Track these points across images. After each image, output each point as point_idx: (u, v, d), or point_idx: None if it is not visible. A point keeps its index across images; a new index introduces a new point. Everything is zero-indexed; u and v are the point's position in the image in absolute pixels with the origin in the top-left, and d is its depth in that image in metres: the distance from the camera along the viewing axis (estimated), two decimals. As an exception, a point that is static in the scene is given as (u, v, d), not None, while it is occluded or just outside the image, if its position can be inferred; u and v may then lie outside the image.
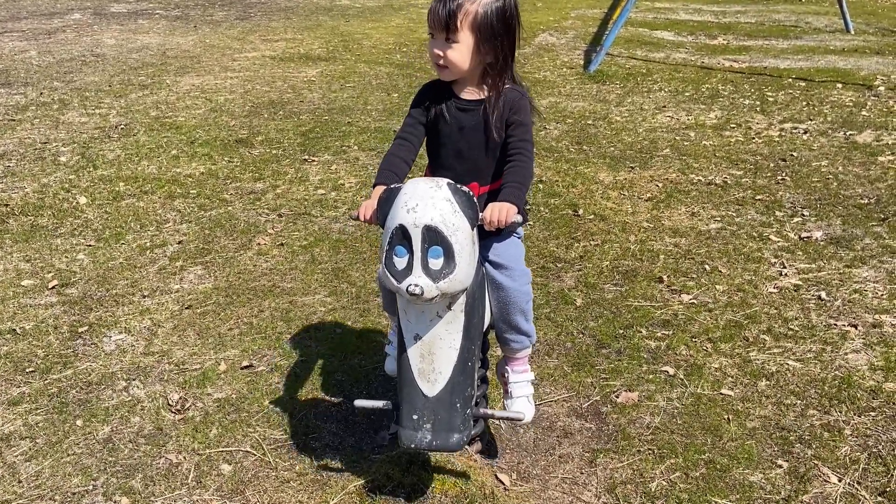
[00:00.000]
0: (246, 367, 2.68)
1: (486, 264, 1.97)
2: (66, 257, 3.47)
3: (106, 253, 3.52)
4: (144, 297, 3.14)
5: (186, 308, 3.05)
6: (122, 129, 5.36)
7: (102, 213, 3.95)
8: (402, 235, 1.68)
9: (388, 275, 1.70)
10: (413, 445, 1.83)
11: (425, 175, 2.06)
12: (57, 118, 5.59)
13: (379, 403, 1.99)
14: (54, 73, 6.97)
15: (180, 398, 2.50)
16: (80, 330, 2.89)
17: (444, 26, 1.82)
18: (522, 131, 1.90)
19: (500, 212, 1.75)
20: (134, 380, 2.60)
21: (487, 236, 1.93)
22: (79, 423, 2.39)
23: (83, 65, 7.35)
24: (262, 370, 2.66)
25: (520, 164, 1.86)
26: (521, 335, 2.06)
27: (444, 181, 1.74)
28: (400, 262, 1.69)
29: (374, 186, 1.89)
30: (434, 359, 1.80)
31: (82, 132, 5.27)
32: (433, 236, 1.66)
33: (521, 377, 2.13)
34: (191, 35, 9.06)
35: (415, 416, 1.83)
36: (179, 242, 3.63)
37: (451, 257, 1.67)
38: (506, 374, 2.15)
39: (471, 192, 1.74)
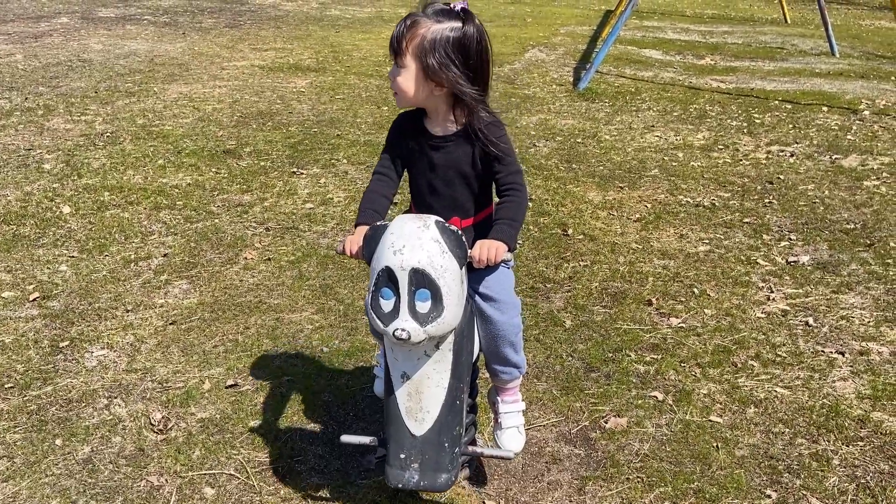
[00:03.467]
0: (231, 385, 2.63)
1: (475, 296, 1.94)
2: (49, 269, 3.41)
3: (89, 265, 3.46)
4: (128, 311, 3.09)
5: (171, 324, 3.01)
6: (107, 136, 5.30)
7: (86, 224, 3.89)
8: (389, 278, 1.63)
9: (375, 317, 1.66)
10: (400, 485, 1.80)
11: (409, 207, 2.03)
12: (42, 124, 5.52)
13: (366, 439, 1.95)
14: (40, 78, 6.89)
15: (163, 417, 2.45)
16: (61, 345, 2.84)
17: (393, 50, 1.77)
18: (508, 163, 1.83)
19: (489, 250, 1.71)
20: (115, 398, 2.55)
21: (477, 269, 1.89)
22: (58, 442, 2.34)
23: (69, 70, 7.28)
24: (247, 389, 2.62)
25: (512, 201, 1.82)
26: (510, 367, 2.03)
27: (432, 220, 1.69)
28: (386, 305, 1.65)
29: (356, 226, 1.84)
30: (422, 398, 1.77)
31: (67, 139, 5.20)
32: (420, 279, 1.62)
33: (511, 407, 2.11)
34: (179, 42, 9.01)
35: (402, 456, 1.79)
36: (164, 255, 3.58)
37: (438, 300, 1.63)
38: (496, 404, 2.12)
39: (459, 232, 1.69)
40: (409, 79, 1.77)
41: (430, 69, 1.73)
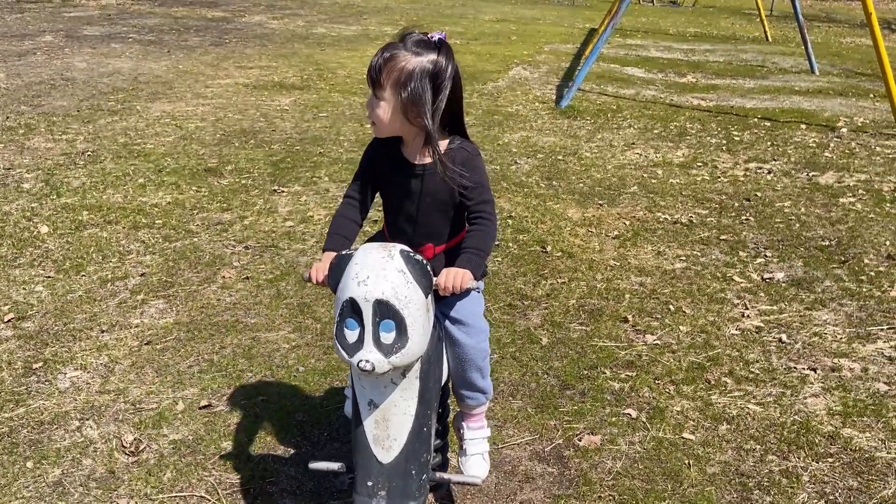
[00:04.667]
0: (204, 406, 2.62)
1: (445, 320, 1.94)
2: (24, 289, 3.40)
3: (65, 285, 3.45)
4: (103, 331, 3.08)
5: (146, 344, 3.00)
6: (88, 155, 5.29)
7: (64, 243, 3.88)
8: (352, 309, 1.62)
9: (340, 348, 1.66)
10: None
11: (382, 230, 2.04)
12: (22, 143, 5.51)
13: (334, 466, 1.94)
14: (22, 97, 6.88)
15: (135, 439, 2.44)
16: (34, 366, 2.82)
17: (371, 81, 1.78)
18: (479, 192, 1.85)
19: (454, 278, 1.72)
20: (88, 419, 2.54)
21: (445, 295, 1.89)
22: (29, 464, 2.32)
23: (52, 88, 7.28)
24: (221, 410, 2.61)
25: (480, 230, 1.83)
26: (476, 392, 2.04)
27: (396, 249, 1.69)
28: (351, 336, 1.64)
29: (323, 251, 1.84)
30: (389, 425, 1.76)
31: (47, 158, 5.19)
32: (385, 310, 1.61)
33: (476, 434, 2.11)
34: (164, 60, 9.03)
35: (369, 483, 1.78)
36: (142, 275, 3.58)
37: (403, 331, 1.62)
38: (461, 430, 2.13)
39: (425, 261, 1.69)
40: (386, 111, 1.77)
41: (406, 102, 1.74)
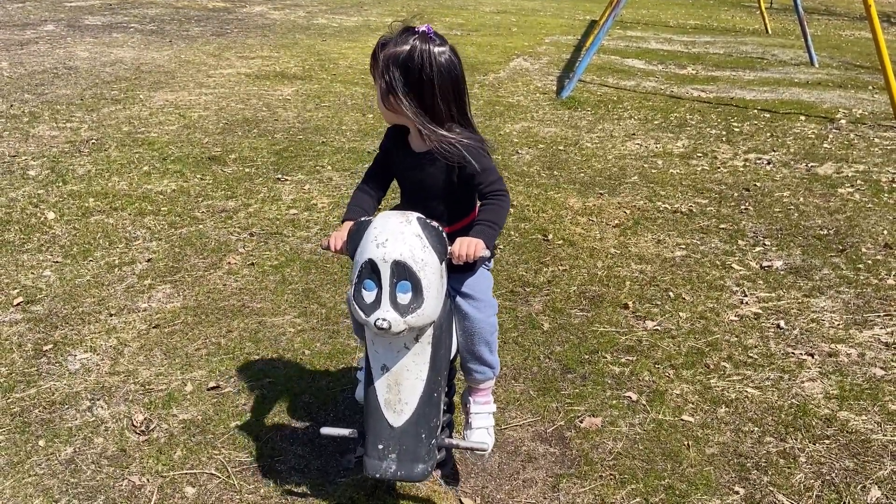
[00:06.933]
0: (213, 387, 2.67)
1: (456, 295, 2.00)
2: (33, 273, 3.44)
3: (73, 270, 3.49)
4: (111, 315, 3.12)
5: (154, 327, 3.04)
6: (93, 143, 5.32)
7: (70, 229, 3.92)
8: (371, 269, 1.70)
9: (357, 308, 1.72)
10: (378, 475, 1.85)
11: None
12: (27, 131, 5.54)
13: (345, 431, 2.00)
14: (25, 86, 6.90)
15: (145, 419, 2.49)
16: (44, 348, 2.87)
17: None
18: (486, 176, 1.89)
19: (468, 246, 1.78)
20: (98, 400, 2.59)
21: (458, 270, 1.96)
22: (41, 443, 2.37)
23: (55, 77, 7.30)
24: (229, 391, 2.66)
25: (494, 204, 1.89)
26: (484, 366, 2.09)
27: (414, 216, 1.77)
28: (368, 296, 1.71)
29: (342, 221, 1.93)
30: (400, 389, 1.82)
31: (52, 146, 5.23)
32: (402, 271, 1.69)
33: (482, 408, 2.17)
34: (166, 50, 9.04)
35: (380, 446, 1.84)
36: (148, 260, 3.62)
37: (419, 292, 1.70)
38: (468, 405, 2.18)
39: (440, 227, 1.76)
40: (378, 98, 1.87)
41: (383, 88, 1.82)
